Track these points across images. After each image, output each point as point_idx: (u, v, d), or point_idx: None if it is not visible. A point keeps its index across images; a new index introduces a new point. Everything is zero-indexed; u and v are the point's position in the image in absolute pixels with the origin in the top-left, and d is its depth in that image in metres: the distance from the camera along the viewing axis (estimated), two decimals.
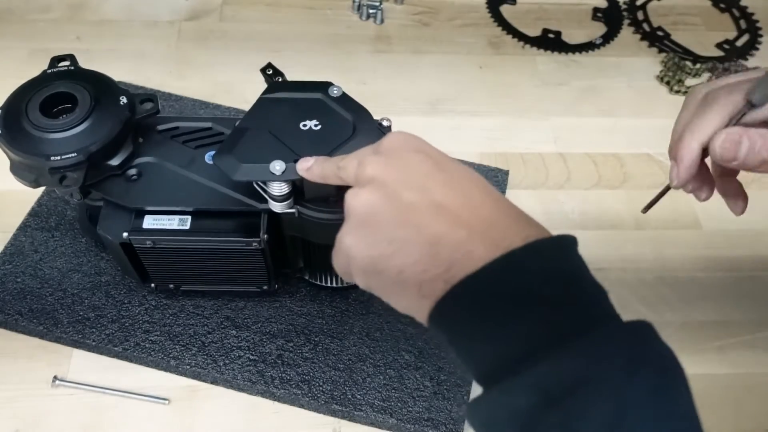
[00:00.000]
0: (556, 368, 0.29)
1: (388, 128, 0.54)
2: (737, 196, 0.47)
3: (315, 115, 0.49)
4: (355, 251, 0.36)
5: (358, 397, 0.56)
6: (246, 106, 0.50)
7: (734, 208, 0.47)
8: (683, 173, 0.43)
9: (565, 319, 0.31)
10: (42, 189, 0.67)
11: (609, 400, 0.28)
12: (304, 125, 0.48)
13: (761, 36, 0.91)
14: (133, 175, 0.52)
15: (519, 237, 0.33)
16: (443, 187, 0.35)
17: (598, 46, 0.88)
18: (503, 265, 0.32)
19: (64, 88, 0.51)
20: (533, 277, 0.32)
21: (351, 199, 0.37)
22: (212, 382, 0.57)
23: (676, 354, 0.30)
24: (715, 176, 0.46)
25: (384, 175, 0.36)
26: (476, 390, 0.56)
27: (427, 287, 0.33)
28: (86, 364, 0.58)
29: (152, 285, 0.59)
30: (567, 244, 0.34)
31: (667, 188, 0.46)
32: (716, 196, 0.76)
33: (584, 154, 0.76)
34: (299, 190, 0.49)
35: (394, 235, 0.35)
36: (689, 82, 0.84)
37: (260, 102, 0.50)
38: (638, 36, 0.90)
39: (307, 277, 0.61)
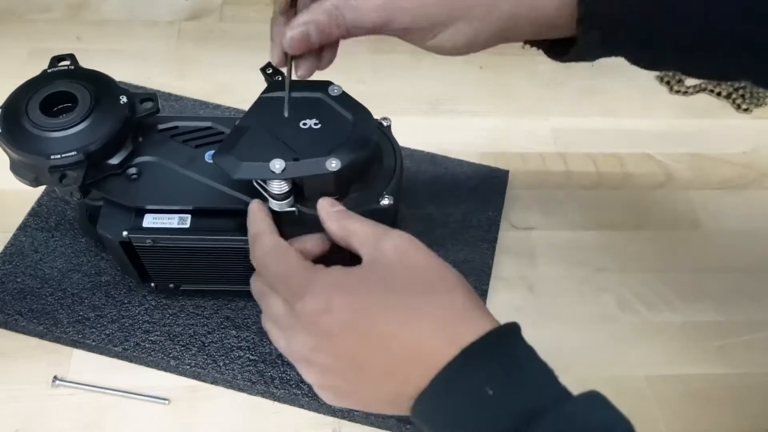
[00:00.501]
0: None
1: (388, 128, 0.54)
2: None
3: (315, 113, 0.49)
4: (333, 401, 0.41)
5: None
6: (246, 106, 0.50)
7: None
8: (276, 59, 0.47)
9: (516, 413, 0.33)
10: (42, 189, 0.67)
11: None
12: (304, 124, 0.48)
13: None
14: (133, 174, 0.52)
15: (457, 346, 0.35)
16: (376, 363, 0.37)
17: None
18: (445, 382, 0.35)
19: (64, 87, 0.51)
20: (476, 383, 0.34)
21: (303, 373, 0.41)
22: (212, 382, 0.57)
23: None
24: None
25: (325, 364, 0.39)
26: None
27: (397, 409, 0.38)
28: (86, 364, 0.58)
29: (152, 285, 0.59)
30: (504, 339, 0.36)
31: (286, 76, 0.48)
32: (716, 198, 0.75)
33: (584, 154, 0.76)
34: (299, 188, 0.49)
35: (357, 403, 0.40)
36: (689, 81, 0.84)
37: (260, 101, 0.50)
38: None
39: None
